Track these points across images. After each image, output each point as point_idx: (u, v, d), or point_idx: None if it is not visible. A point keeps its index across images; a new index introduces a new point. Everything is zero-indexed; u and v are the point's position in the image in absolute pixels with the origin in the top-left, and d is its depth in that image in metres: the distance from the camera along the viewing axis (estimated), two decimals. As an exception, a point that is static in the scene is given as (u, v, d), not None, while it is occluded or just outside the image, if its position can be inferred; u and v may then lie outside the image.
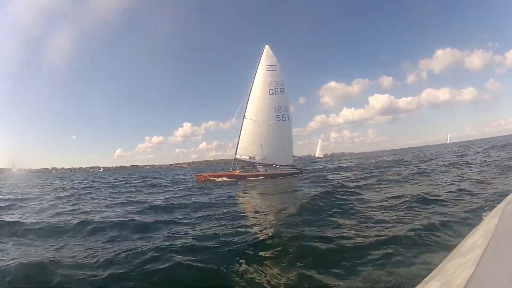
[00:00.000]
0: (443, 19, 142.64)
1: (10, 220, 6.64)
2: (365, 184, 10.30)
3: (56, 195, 12.72)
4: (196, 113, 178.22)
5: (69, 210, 8.14)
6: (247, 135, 19.78)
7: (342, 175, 15.51)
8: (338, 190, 8.37)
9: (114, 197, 11.64)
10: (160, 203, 8.92)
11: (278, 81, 20.08)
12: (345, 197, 7.49)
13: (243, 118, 19.82)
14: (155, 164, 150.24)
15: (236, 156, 19.72)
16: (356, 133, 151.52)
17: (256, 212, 7.00)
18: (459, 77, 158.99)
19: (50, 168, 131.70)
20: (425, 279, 1.10)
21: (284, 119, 20.08)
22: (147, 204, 8.46)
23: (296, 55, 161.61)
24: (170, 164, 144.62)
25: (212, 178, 18.59)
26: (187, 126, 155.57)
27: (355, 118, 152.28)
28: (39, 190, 16.88)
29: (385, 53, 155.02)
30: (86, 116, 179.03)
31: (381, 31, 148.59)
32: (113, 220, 6.16)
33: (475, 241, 1.17)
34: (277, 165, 19.68)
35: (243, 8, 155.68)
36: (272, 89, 19.88)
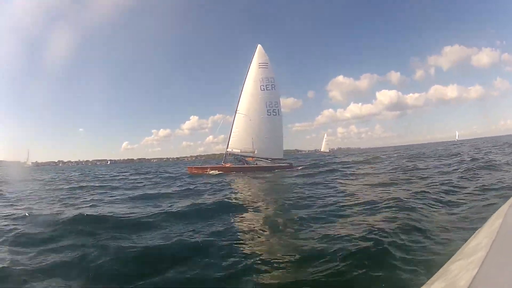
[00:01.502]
0: (451, 15, 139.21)
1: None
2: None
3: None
4: (203, 106, 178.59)
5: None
6: (238, 129, 20.67)
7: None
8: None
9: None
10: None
11: (269, 77, 20.89)
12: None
13: (235, 112, 20.71)
14: (163, 157, 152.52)
15: (227, 150, 20.66)
16: (364, 129, 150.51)
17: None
18: (466, 74, 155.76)
19: (56, 161, 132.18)
20: (428, 281, 1.11)
21: (274, 113, 20.92)
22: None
23: (304, 49, 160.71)
24: (177, 157, 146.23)
25: (204, 171, 19.53)
26: (194, 119, 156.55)
27: (363, 113, 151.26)
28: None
29: (393, 48, 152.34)
30: (91, 109, 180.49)
31: (389, 26, 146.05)
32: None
33: (479, 243, 1.15)
34: (264, 158, 20.55)
35: (251, 2, 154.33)
36: (263, 85, 20.71)
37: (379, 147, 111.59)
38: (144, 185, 12.88)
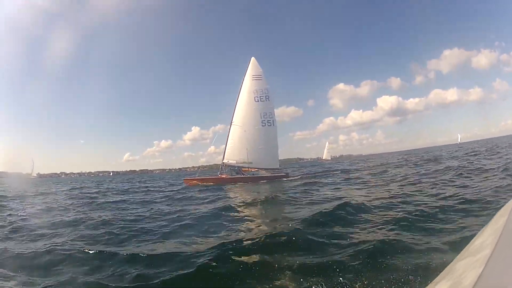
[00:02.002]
0: (450, 18, 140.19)
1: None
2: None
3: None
4: (205, 117, 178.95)
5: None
6: (234, 140, 20.92)
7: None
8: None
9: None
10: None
11: (263, 89, 21.23)
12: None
13: (230, 124, 20.99)
14: (165, 168, 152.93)
15: (223, 161, 20.83)
16: (365, 135, 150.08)
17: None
18: (466, 77, 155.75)
19: (59, 172, 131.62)
20: (434, 280, 1.11)
21: (269, 124, 21.18)
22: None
23: (305, 58, 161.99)
24: (179, 168, 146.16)
25: (201, 182, 19.67)
26: (195, 130, 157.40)
27: (364, 120, 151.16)
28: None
29: (393, 53, 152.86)
30: (93, 120, 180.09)
31: (389, 32, 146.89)
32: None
33: (484, 240, 1.15)
34: (259, 168, 20.72)
35: (250, 11, 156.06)
36: (257, 97, 21.05)
37: (381, 153, 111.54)
38: (192, 196, 12.81)
